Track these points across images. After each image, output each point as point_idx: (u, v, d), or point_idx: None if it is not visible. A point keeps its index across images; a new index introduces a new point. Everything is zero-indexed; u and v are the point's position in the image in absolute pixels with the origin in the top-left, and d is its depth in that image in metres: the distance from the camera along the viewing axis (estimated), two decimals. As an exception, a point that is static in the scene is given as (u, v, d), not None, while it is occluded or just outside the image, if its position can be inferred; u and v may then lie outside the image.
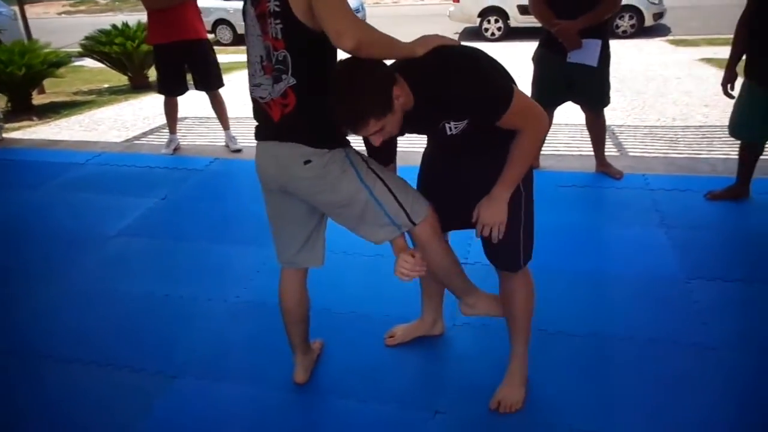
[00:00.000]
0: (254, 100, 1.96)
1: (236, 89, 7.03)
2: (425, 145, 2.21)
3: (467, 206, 1.99)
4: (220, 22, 13.34)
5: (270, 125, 1.92)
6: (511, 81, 1.84)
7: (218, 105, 5.01)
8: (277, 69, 1.84)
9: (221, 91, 5.00)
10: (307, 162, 1.89)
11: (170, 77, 4.84)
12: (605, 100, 3.86)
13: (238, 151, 4.99)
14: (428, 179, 2.16)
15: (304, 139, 1.89)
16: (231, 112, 5.18)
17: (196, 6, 4.76)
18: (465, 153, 1.98)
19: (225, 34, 13.48)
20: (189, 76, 4.93)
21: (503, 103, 1.75)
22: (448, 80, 1.74)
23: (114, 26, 8.69)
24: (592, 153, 4.15)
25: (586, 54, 3.52)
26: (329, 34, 1.70)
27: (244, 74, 8.79)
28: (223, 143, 5.13)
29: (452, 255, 2.17)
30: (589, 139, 4.13)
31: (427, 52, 1.76)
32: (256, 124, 2.01)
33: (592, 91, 3.75)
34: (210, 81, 4.90)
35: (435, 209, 2.07)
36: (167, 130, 5.23)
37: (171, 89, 4.91)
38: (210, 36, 4.93)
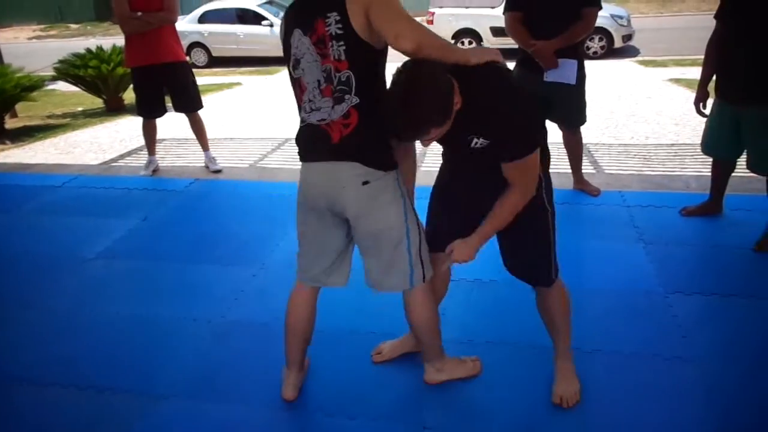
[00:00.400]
0: (308, 125, 1.97)
1: (214, 111, 7.03)
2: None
3: (471, 225, 2.05)
4: (194, 45, 13.36)
5: (327, 146, 1.93)
6: (542, 127, 1.96)
7: (197, 126, 5.01)
8: (340, 90, 1.87)
9: (200, 112, 5.00)
10: (365, 183, 1.93)
11: (149, 99, 4.84)
12: (582, 118, 3.94)
13: (218, 171, 4.99)
14: (440, 195, 2.21)
15: (364, 158, 1.93)
16: (210, 133, 5.18)
17: (174, 28, 4.77)
18: (476, 170, 2.04)
19: (200, 57, 13.48)
20: (167, 98, 4.93)
21: (530, 148, 1.83)
22: (501, 96, 1.80)
23: (88, 50, 8.65)
24: (569, 171, 4.23)
25: (563, 73, 3.60)
26: (388, 37, 1.74)
27: (220, 96, 8.74)
28: (203, 164, 5.12)
29: (438, 316, 2.26)
30: (566, 157, 4.21)
31: (480, 63, 1.80)
32: (304, 147, 2.03)
33: (569, 109, 3.82)
34: (189, 103, 4.91)
35: (444, 226, 2.14)
36: (145, 152, 5.22)
37: (150, 111, 4.90)
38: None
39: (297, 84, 1.99)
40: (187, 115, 4.95)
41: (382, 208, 1.99)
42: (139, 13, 4.51)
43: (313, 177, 2.02)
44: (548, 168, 2.08)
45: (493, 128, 1.83)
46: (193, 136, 5.11)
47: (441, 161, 2.25)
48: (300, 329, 2.27)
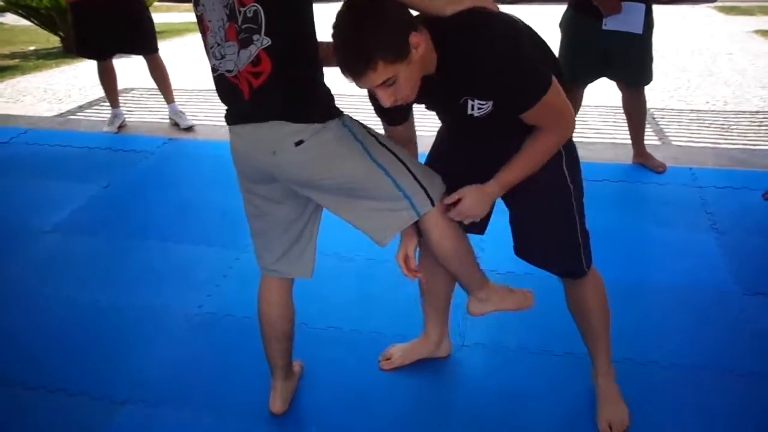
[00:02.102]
0: (220, 76, 1.92)
1: (178, 57, 7.02)
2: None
3: None
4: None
5: (240, 104, 1.89)
6: (553, 68, 1.88)
7: (159, 73, 5.03)
8: (246, 29, 1.79)
9: (163, 58, 5.00)
10: (299, 143, 1.86)
11: (94, 37, 4.81)
12: (647, 77, 3.90)
13: (190, 128, 5.01)
14: (439, 165, 2.18)
15: (288, 114, 1.85)
16: (176, 83, 5.18)
17: None
18: (484, 138, 2.02)
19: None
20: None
21: (536, 93, 1.78)
22: (482, 48, 1.74)
23: (44, -25, 8.65)
24: (629, 141, 4.20)
25: (627, 20, 3.55)
26: None
27: (185, 41, 8.69)
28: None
29: (467, 239, 2.18)
30: (626, 124, 4.18)
31: (459, 11, 1.76)
32: (225, 105, 1.99)
33: (632, 64, 3.78)
34: (143, 42, 4.92)
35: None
36: (109, 104, 5.23)
37: (99, 52, 4.91)
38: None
39: (200, 22, 1.93)
40: (146, 59, 4.97)
41: (337, 163, 1.92)
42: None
43: (237, 143, 1.99)
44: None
45: (482, 86, 1.80)
46: (163, 86, 5.12)
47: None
48: (275, 327, 2.25)
